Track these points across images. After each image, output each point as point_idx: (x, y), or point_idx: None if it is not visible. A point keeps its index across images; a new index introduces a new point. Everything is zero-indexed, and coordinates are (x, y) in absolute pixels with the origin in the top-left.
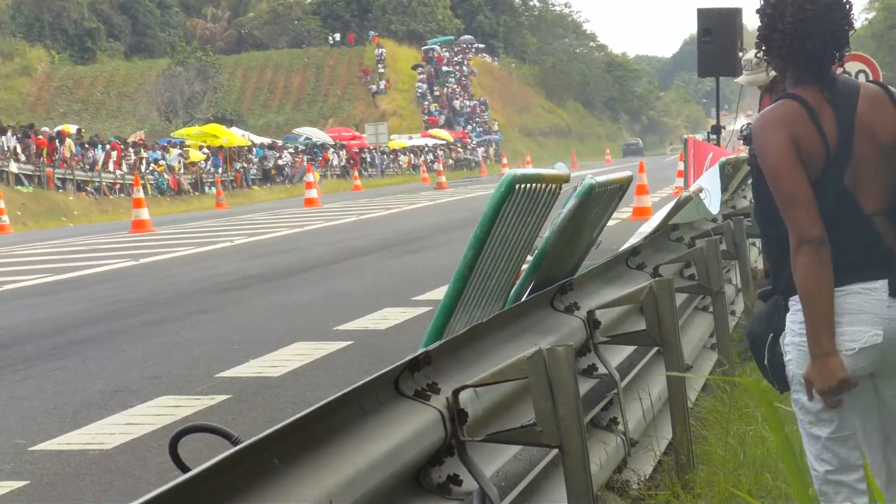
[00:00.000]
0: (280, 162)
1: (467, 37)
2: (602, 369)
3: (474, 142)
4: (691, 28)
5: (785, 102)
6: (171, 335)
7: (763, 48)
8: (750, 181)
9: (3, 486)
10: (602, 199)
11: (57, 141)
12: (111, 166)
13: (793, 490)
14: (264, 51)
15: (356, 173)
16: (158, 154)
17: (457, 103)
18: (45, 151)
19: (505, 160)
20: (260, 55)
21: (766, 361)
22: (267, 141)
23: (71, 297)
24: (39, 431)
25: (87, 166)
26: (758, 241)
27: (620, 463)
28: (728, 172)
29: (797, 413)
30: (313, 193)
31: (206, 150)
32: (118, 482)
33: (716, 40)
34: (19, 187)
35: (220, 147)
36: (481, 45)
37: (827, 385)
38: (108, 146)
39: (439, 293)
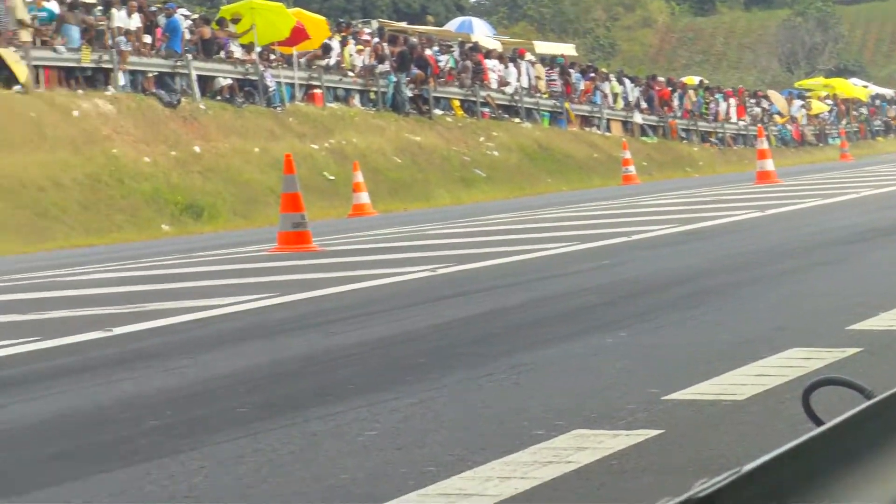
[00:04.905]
0: None
1: None
2: None
3: None
4: None
5: None
6: (795, 286)
7: None
8: None
9: (638, 433)
10: None
11: (678, 92)
12: (734, 117)
13: None
14: (886, 1)
15: None
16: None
17: None
18: (665, 102)
19: None
20: (882, 5)
21: None
22: (890, 92)
23: (697, 248)
24: (671, 380)
25: (711, 117)
26: None
27: None
28: None
29: None
30: None
31: (828, 102)
32: (751, 433)
33: None
34: (644, 138)
35: (842, 99)
36: None
37: None
38: (725, 96)
39: None
